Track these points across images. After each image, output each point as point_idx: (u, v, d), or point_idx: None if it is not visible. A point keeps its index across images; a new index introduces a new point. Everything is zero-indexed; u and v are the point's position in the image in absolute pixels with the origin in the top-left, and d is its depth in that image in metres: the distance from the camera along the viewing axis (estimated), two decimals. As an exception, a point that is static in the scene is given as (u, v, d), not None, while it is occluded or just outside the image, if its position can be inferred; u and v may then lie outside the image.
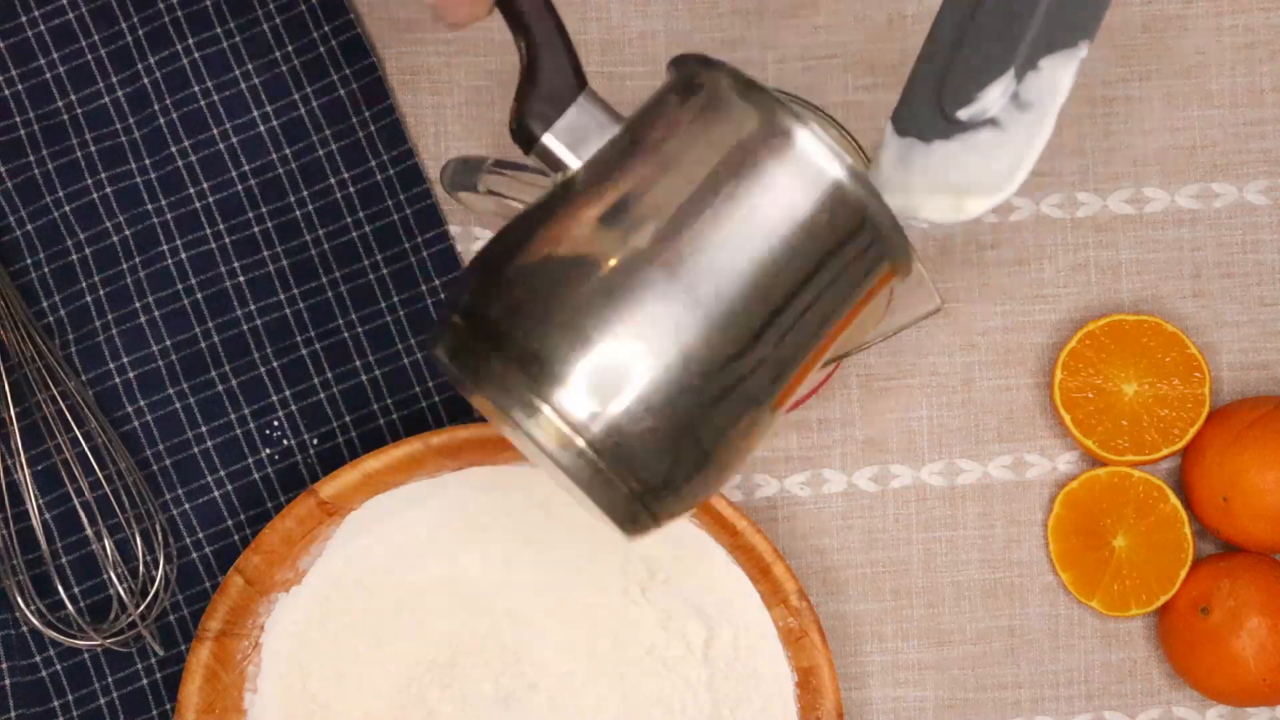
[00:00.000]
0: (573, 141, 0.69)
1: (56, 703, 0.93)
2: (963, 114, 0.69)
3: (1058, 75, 0.68)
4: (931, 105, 0.70)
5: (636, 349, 0.65)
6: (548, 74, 0.69)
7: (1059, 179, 0.96)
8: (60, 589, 0.92)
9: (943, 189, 0.69)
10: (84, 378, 0.94)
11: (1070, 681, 0.95)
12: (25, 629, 0.93)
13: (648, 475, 0.66)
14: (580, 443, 0.65)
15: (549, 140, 0.69)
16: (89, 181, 0.94)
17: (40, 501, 0.93)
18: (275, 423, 0.94)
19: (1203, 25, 0.96)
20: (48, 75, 0.95)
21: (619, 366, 0.64)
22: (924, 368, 0.96)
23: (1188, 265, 0.96)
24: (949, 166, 0.69)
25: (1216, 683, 0.91)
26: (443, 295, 0.93)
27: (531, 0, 0.69)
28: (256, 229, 0.95)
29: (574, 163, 0.69)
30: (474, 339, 0.66)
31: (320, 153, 0.95)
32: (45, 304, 0.94)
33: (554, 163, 0.69)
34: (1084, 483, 0.93)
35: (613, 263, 0.65)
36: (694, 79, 0.69)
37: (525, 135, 0.69)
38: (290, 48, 0.95)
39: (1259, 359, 0.96)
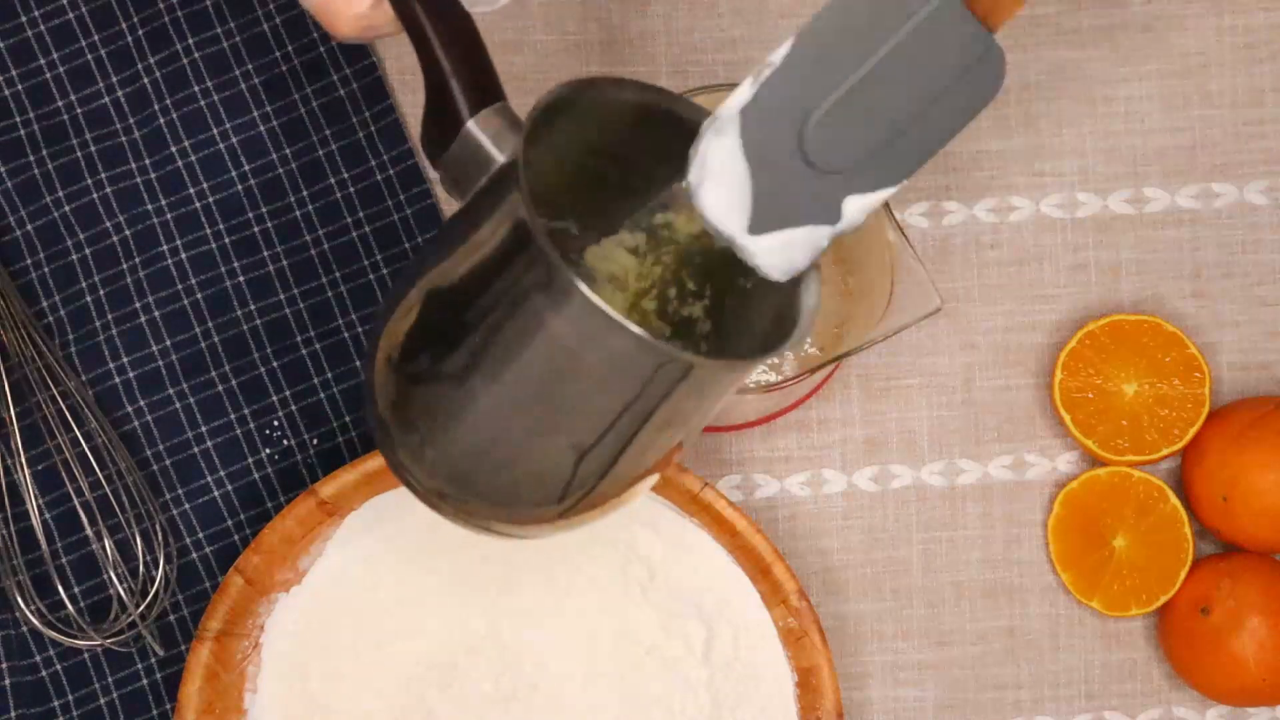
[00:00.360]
0: (455, 178, 0.69)
1: (56, 703, 0.93)
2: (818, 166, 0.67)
3: (863, 207, 0.68)
4: (792, 147, 0.67)
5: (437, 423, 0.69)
6: (434, 101, 0.68)
7: (1059, 179, 0.96)
8: (60, 589, 0.92)
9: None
10: (84, 378, 0.94)
11: (1070, 681, 0.95)
12: (25, 629, 0.93)
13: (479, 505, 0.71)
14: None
15: (439, 172, 0.69)
16: (89, 181, 0.94)
17: (40, 501, 0.93)
18: (275, 423, 0.94)
19: (1203, 25, 0.96)
20: (48, 75, 0.95)
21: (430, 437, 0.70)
22: (924, 368, 0.96)
23: (1188, 265, 0.96)
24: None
25: (1216, 683, 0.91)
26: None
27: (416, 27, 0.68)
28: (256, 229, 0.95)
29: (457, 200, 0.69)
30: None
31: (320, 153, 0.95)
32: (45, 304, 0.94)
33: (455, 185, 0.69)
34: (1084, 483, 0.93)
35: (422, 360, 0.68)
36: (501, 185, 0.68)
37: (432, 163, 0.69)
38: (290, 48, 0.95)
39: (1259, 359, 0.96)
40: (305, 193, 0.95)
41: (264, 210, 0.95)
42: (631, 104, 0.70)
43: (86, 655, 0.93)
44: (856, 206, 0.67)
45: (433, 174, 0.95)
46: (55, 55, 0.95)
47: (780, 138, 0.66)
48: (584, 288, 0.63)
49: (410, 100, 0.95)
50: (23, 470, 0.91)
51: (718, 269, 0.73)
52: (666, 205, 0.73)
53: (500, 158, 0.68)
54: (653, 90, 0.70)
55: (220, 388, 0.94)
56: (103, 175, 0.94)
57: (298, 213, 0.95)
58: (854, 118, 0.65)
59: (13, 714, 0.92)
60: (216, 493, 0.94)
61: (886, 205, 0.80)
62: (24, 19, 0.95)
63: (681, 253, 0.74)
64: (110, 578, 0.92)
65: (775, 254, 0.67)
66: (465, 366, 0.67)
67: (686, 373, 0.65)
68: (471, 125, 0.68)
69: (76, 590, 0.93)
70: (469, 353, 0.67)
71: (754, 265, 0.67)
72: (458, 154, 0.68)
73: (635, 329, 0.63)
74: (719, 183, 0.66)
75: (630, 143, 0.71)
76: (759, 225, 0.66)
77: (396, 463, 0.71)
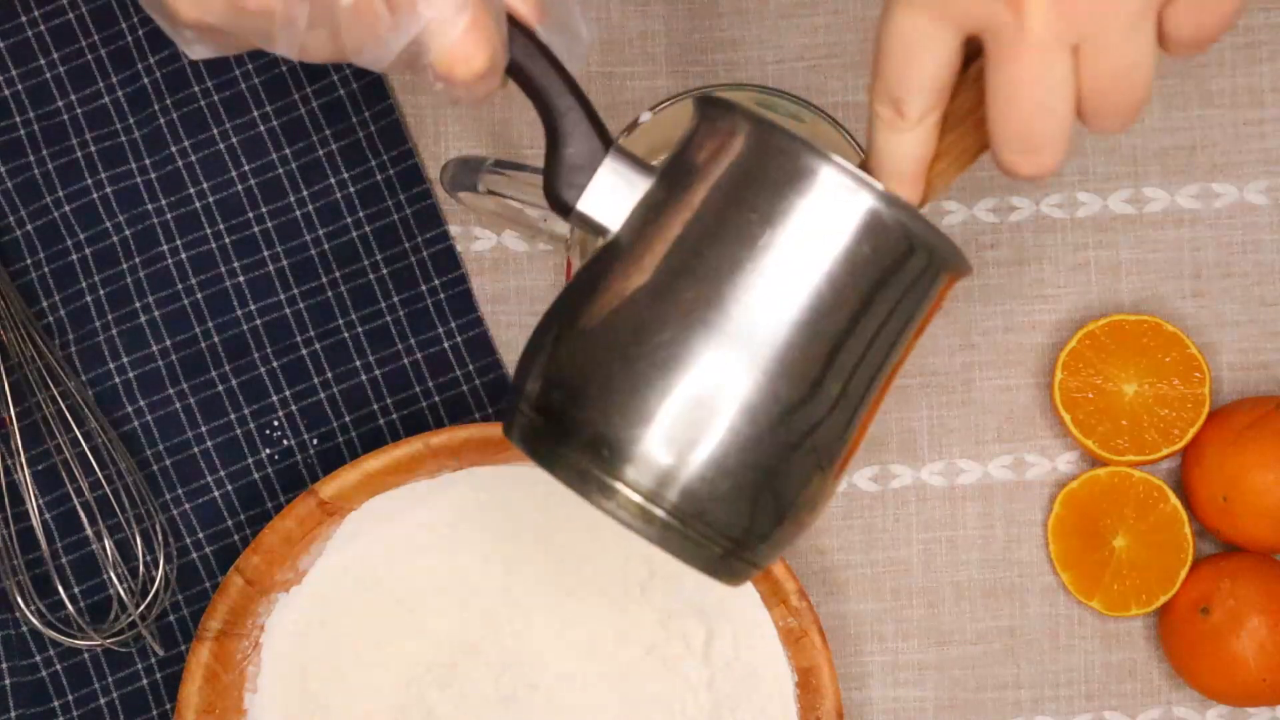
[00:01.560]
0: (607, 204, 0.67)
1: (56, 703, 0.93)
2: None
3: None
4: None
5: (699, 415, 0.64)
6: (570, 141, 0.68)
7: (1059, 179, 0.96)
8: (60, 589, 0.92)
9: None
10: (84, 378, 0.94)
11: (1070, 681, 0.95)
12: (25, 629, 0.93)
13: (734, 532, 0.65)
14: (660, 514, 0.64)
15: (583, 207, 0.67)
16: (89, 181, 0.94)
17: (40, 501, 0.93)
18: (275, 423, 0.94)
19: (1203, 25, 0.96)
20: (48, 75, 0.95)
21: (685, 434, 0.64)
22: (924, 368, 0.96)
23: (1188, 265, 0.96)
24: None
25: (1216, 683, 0.91)
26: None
27: (543, 69, 0.68)
28: (256, 229, 0.95)
29: (612, 225, 0.67)
30: (542, 427, 0.66)
31: (320, 153, 0.95)
32: (45, 304, 0.94)
33: (593, 227, 0.68)
34: (1084, 483, 0.93)
35: (663, 332, 0.64)
36: (716, 124, 0.67)
37: (560, 205, 0.68)
38: (290, 48, 0.95)
39: (1259, 359, 0.96)
40: (305, 193, 0.95)
41: (264, 210, 0.95)
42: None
43: (86, 655, 0.93)
44: None
45: (433, 174, 0.95)
46: (55, 55, 0.95)
47: None
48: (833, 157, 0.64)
49: (410, 100, 0.95)
50: (23, 470, 0.91)
51: None
52: None
53: (651, 165, 0.68)
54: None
55: (220, 388, 0.94)
56: (103, 175, 0.94)
57: (298, 213, 0.95)
58: None
59: (13, 714, 0.92)
60: (216, 493, 0.94)
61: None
62: (24, 19, 0.95)
63: None
64: (110, 578, 0.92)
65: None
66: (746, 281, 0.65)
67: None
68: (616, 147, 0.69)
69: (76, 590, 0.93)
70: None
71: None
72: (604, 182, 0.68)
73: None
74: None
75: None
76: None
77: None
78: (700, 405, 0.64)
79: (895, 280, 0.65)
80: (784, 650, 0.90)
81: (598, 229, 0.68)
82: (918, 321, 0.67)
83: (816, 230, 0.64)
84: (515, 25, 0.68)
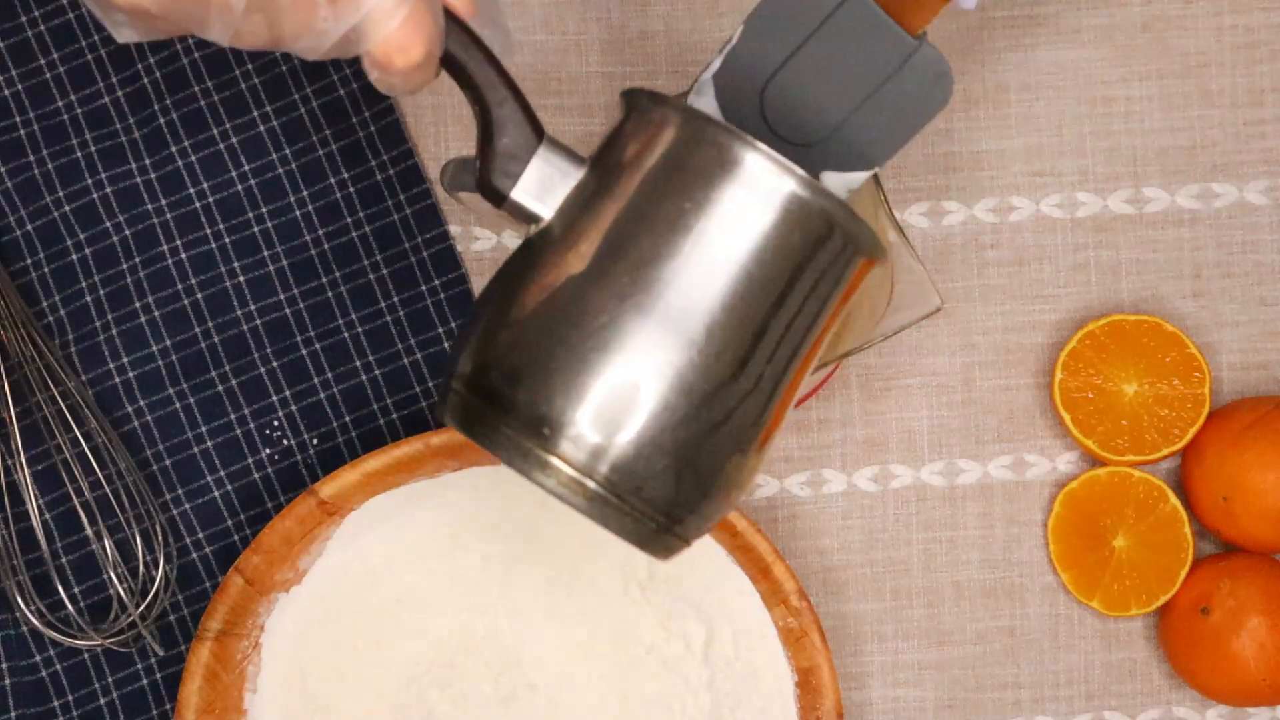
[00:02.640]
0: (540, 193, 0.69)
1: (56, 703, 0.93)
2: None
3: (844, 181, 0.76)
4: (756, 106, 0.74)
5: (633, 393, 0.66)
6: (504, 131, 0.69)
7: (1059, 179, 0.96)
8: (60, 589, 0.92)
9: None
10: (84, 378, 0.94)
11: (1070, 681, 0.95)
12: (25, 629, 0.93)
13: (664, 505, 0.67)
14: (595, 487, 0.67)
15: (517, 195, 0.69)
16: (89, 181, 0.94)
17: (40, 501, 0.93)
18: (275, 423, 0.94)
19: (1203, 25, 0.96)
20: (48, 75, 0.95)
21: (620, 411, 0.66)
22: (924, 368, 0.96)
23: (1188, 265, 0.96)
24: None
25: (1216, 683, 0.91)
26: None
27: (478, 61, 0.69)
28: (256, 229, 0.95)
29: (545, 213, 0.69)
30: (479, 407, 0.68)
31: (320, 153, 0.95)
32: (45, 304, 0.94)
33: (526, 215, 0.69)
34: (1084, 483, 0.93)
35: (600, 315, 0.66)
36: (646, 115, 0.69)
37: (493, 193, 0.69)
38: (290, 48, 0.95)
39: (1259, 359, 0.96)
40: (305, 193, 0.95)
41: (264, 210, 0.95)
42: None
43: (86, 655, 0.93)
44: (834, 182, 0.75)
45: (433, 174, 0.95)
46: (55, 55, 0.95)
47: (746, 104, 0.74)
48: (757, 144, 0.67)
49: (410, 101, 0.95)
50: (23, 470, 0.91)
51: None
52: None
53: (581, 156, 0.70)
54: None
55: (220, 388, 0.94)
56: (103, 175, 0.94)
57: (298, 213, 0.95)
58: (800, 96, 0.73)
59: (13, 714, 0.92)
60: (216, 493, 0.94)
61: (886, 205, 0.80)
62: (24, 19, 0.95)
63: None
64: (110, 578, 0.92)
65: None
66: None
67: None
68: (548, 140, 0.70)
69: (76, 590, 0.93)
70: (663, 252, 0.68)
71: None
72: (538, 172, 0.70)
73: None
74: None
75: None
76: None
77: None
78: (634, 384, 0.66)
79: (815, 262, 0.68)
80: (784, 650, 0.90)
81: (530, 217, 0.69)
82: (834, 303, 0.69)
83: (744, 215, 0.67)
84: (450, 18, 0.68)
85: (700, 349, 0.66)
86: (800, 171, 0.66)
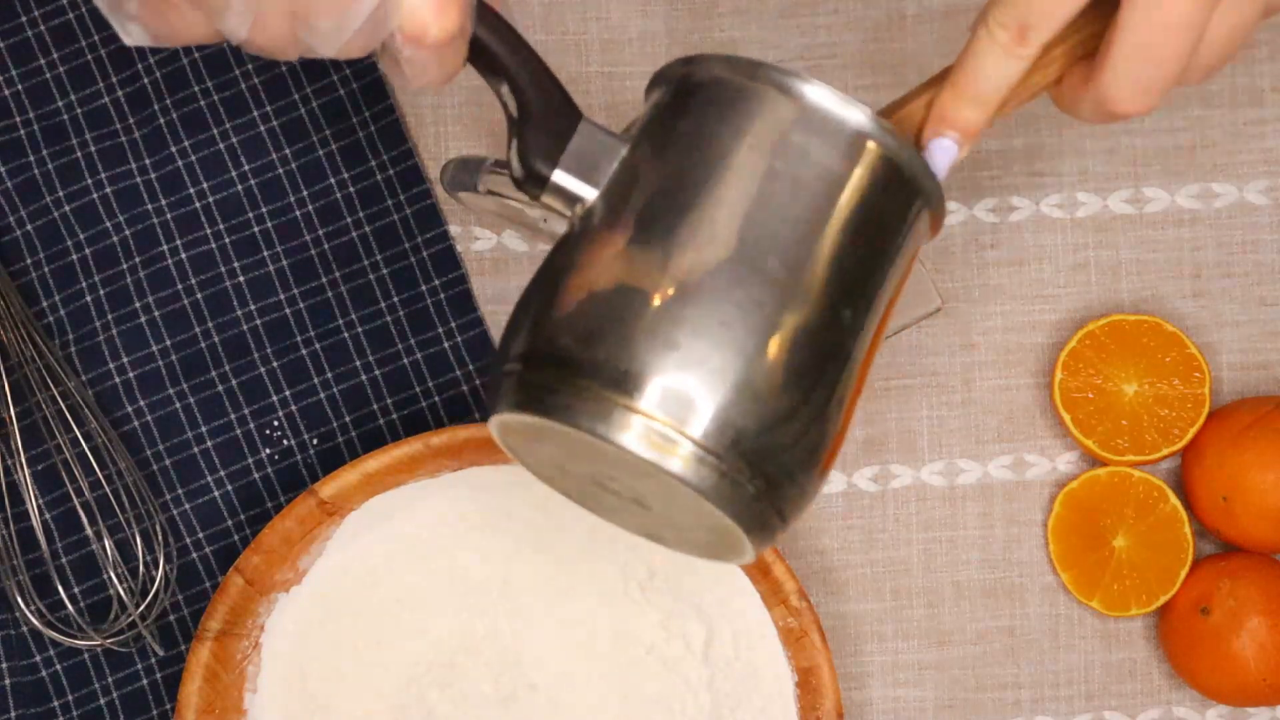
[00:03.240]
0: (583, 172, 0.67)
1: (56, 703, 0.93)
2: None
3: None
4: None
5: (727, 339, 0.63)
6: (541, 111, 0.67)
7: (1059, 179, 0.96)
8: (60, 589, 0.92)
9: None
10: (84, 378, 0.94)
11: (1070, 681, 0.95)
12: (25, 629, 0.93)
13: (770, 467, 0.63)
14: (689, 446, 0.62)
15: (560, 177, 0.67)
16: (89, 181, 0.94)
17: (40, 501, 0.93)
18: (275, 423, 0.94)
19: (1203, 25, 0.96)
20: (48, 75, 0.95)
21: (714, 359, 0.62)
22: (924, 368, 0.96)
23: (1188, 265, 0.96)
24: None
25: (1216, 683, 0.91)
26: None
27: (506, 43, 0.67)
28: (256, 229, 0.95)
29: (589, 194, 0.67)
30: (548, 379, 0.64)
31: (320, 153, 0.95)
32: (45, 304, 0.94)
33: (569, 198, 0.68)
34: (1084, 483, 0.93)
35: (677, 267, 0.64)
36: (687, 80, 0.68)
37: (534, 177, 0.67)
38: (290, 48, 0.95)
39: (1259, 359, 0.96)
40: (305, 193, 0.95)
41: (264, 210, 0.95)
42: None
43: (86, 655, 0.93)
44: None
45: (433, 174, 0.95)
46: (55, 55, 0.95)
47: None
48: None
49: (410, 101, 0.95)
50: (23, 470, 0.91)
51: None
52: None
53: (619, 134, 0.68)
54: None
55: (220, 388, 0.94)
56: (103, 175, 0.94)
57: (298, 213, 0.95)
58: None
59: (13, 714, 0.92)
60: (216, 493, 0.94)
61: None
62: (24, 19, 0.95)
63: None
64: (110, 578, 0.92)
65: None
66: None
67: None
68: (586, 119, 0.68)
69: (76, 590, 0.93)
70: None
71: None
72: (580, 150, 0.67)
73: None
74: None
75: None
76: None
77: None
78: (726, 330, 0.63)
79: (884, 202, 0.66)
80: (784, 650, 0.90)
81: (573, 199, 0.67)
82: (906, 251, 0.68)
83: (812, 150, 0.65)
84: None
85: (785, 288, 0.64)
86: (865, 106, 0.65)
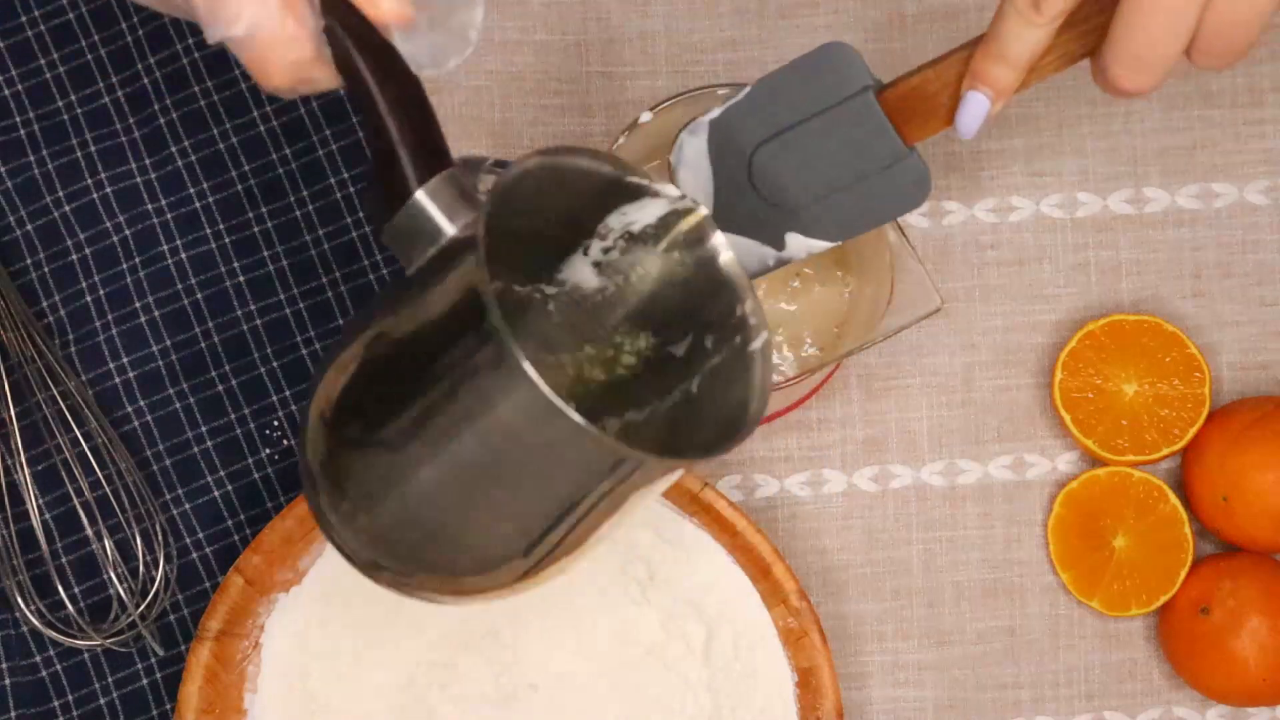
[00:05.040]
0: (401, 251, 0.66)
1: (56, 703, 0.93)
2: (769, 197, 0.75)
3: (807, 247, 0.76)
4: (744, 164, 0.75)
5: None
6: (388, 166, 0.66)
7: (1059, 179, 0.96)
8: (60, 589, 0.92)
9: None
10: (84, 378, 0.94)
11: (1070, 681, 0.95)
12: (25, 629, 0.93)
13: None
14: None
15: (387, 240, 0.67)
16: (89, 181, 0.94)
17: (40, 501, 0.93)
18: (275, 423, 0.94)
19: (1203, 25, 0.96)
20: (48, 75, 0.95)
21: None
22: (924, 368, 0.96)
23: (1188, 265, 0.96)
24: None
25: (1216, 683, 0.91)
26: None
27: (374, 81, 0.66)
28: (256, 229, 0.95)
29: (409, 268, 0.66)
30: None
31: (320, 153, 0.95)
32: (45, 304, 0.94)
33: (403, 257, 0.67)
34: (1084, 483, 0.93)
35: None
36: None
37: (374, 231, 0.68)
38: (290, 48, 0.95)
39: (1259, 359, 0.96)
40: (305, 193, 0.95)
41: (264, 210, 0.95)
42: (589, 173, 0.71)
43: (86, 655, 0.93)
44: (796, 244, 0.76)
45: (433, 174, 0.95)
46: (55, 55, 0.95)
47: (735, 156, 0.76)
48: (532, 373, 0.61)
49: (410, 100, 0.95)
50: (23, 470, 0.91)
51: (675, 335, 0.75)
52: (630, 250, 0.74)
53: (450, 229, 0.66)
54: (605, 160, 0.70)
55: (220, 388, 0.94)
56: (103, 175, 0.94)
57: (297, 213, 0.95)
58: (787, 164, 0.75)
59: (13, 714, 0.92)
60: (216, 493, 0.94)
61: None
62: (24, 19, 0.95)
63: (642, 309, 0.76)
64: (110, 578, 0.92)
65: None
66: (404, 435, 0.65)
67: (637, 465, 0.65)
68: (420, 195, 0.66)
69: (76, 590, 0.93)
70: (410, 422, 0.65)
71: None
72: (404, 225, 0.66)
73: (581, 421, 0.62)
74: (690, 171, 0.76)
75: (591, 209, 0.72)
76: (718, 221, 0.74)
77: (326, 523, 0.69)
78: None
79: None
80: (784, 650, 0.90)
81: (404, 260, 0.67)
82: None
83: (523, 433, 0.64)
84: (361, 27, 0.66)
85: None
86: (570, 412, 0.62)
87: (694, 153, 0.76)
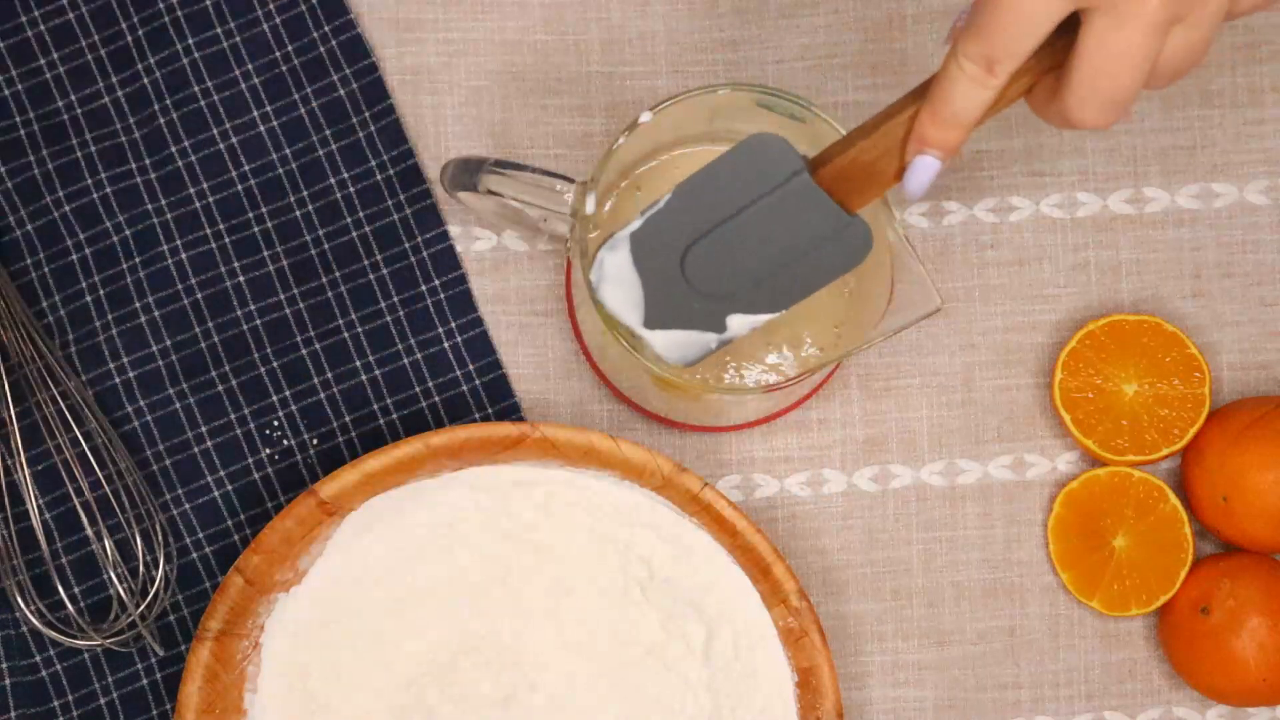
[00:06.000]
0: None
1: (56, 703, 0.93)
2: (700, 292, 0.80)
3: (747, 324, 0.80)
4: (673, 259, 0.79)
5: None
6: None
7: (1059, 179, 0.96)
8: (60, 589, 0.92)
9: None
10: (84, 378, 0.94)
11: (1070, 681, 0.95)
12: (25, 629, 0.93)
13: None
14: None
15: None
16: (89, 181, 0.94)
17: (40, 501, 0.93)
18: (275, 423, 0.94)
19: (1203, 25, 0.96)
20: (48, 75, 0.95)
21: None
22: (924, 368, 0.96)
23: (1188, 265, 0.96)
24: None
25: (1216, 683, 0.91)
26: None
27: None
28: (256, 229, 0.95)
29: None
30: None
31: (320, 153, 0.95)
32: (45, 304, 0.94)
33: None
34: (1084, 483, 0.93)
35: None
36: None
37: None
38: (290, 48, 0.95)
39: (1259, 359, 0.96)
40: (305, 193, 0.95)
41: (264, 210, 0.95)
42: None
43: (86, 655, 0.93)
44: (739, 322, 0.80)
45: (433, 174, 0.95)
46: (55, 55, 0.95)
47: (665, 260, 0.79)
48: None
49: (410, 100, 0.95)
50: (23, 470, 0.91)
51: None
52: None
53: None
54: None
55: (220, 388, 0.94)
56: (103, 175, 0.94)
57: (298, 213, 0.95)
58: (724, 257, 0.78)
59: (13, 714, 0.92)
60: (216, 493, 0.94)
61: (886, 205, 0.80)
62: (24, 19, 0.95)
63: None
64: (110, 578, 0.92)
65: (669, 348, 0.81)
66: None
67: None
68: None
69: (76, 590, 0.93)
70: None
71: (652, 353, 0.81)
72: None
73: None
74: (615, 285, 0.80)
75: None
76: (652, 322, 0.80)
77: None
78: None
79: None
80: (784, 650, 0.90)
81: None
82: None
83: None
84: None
85: None
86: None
87: (616, 267, 0.80)
